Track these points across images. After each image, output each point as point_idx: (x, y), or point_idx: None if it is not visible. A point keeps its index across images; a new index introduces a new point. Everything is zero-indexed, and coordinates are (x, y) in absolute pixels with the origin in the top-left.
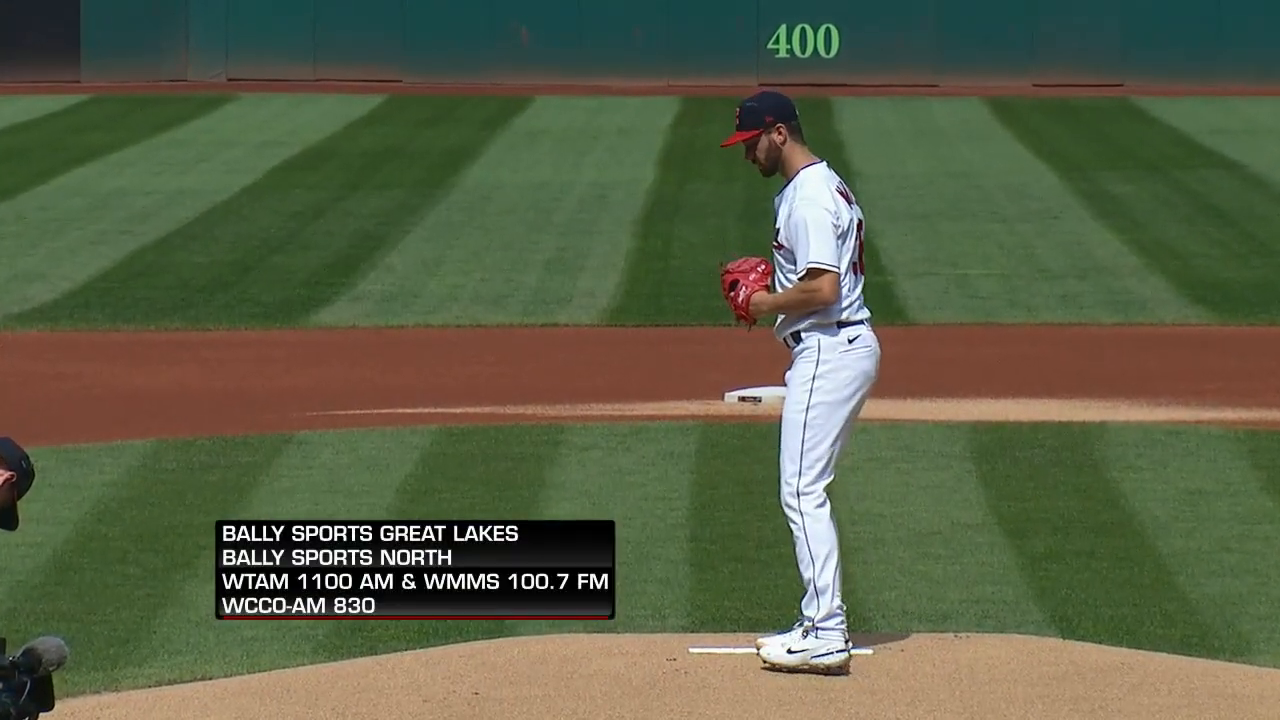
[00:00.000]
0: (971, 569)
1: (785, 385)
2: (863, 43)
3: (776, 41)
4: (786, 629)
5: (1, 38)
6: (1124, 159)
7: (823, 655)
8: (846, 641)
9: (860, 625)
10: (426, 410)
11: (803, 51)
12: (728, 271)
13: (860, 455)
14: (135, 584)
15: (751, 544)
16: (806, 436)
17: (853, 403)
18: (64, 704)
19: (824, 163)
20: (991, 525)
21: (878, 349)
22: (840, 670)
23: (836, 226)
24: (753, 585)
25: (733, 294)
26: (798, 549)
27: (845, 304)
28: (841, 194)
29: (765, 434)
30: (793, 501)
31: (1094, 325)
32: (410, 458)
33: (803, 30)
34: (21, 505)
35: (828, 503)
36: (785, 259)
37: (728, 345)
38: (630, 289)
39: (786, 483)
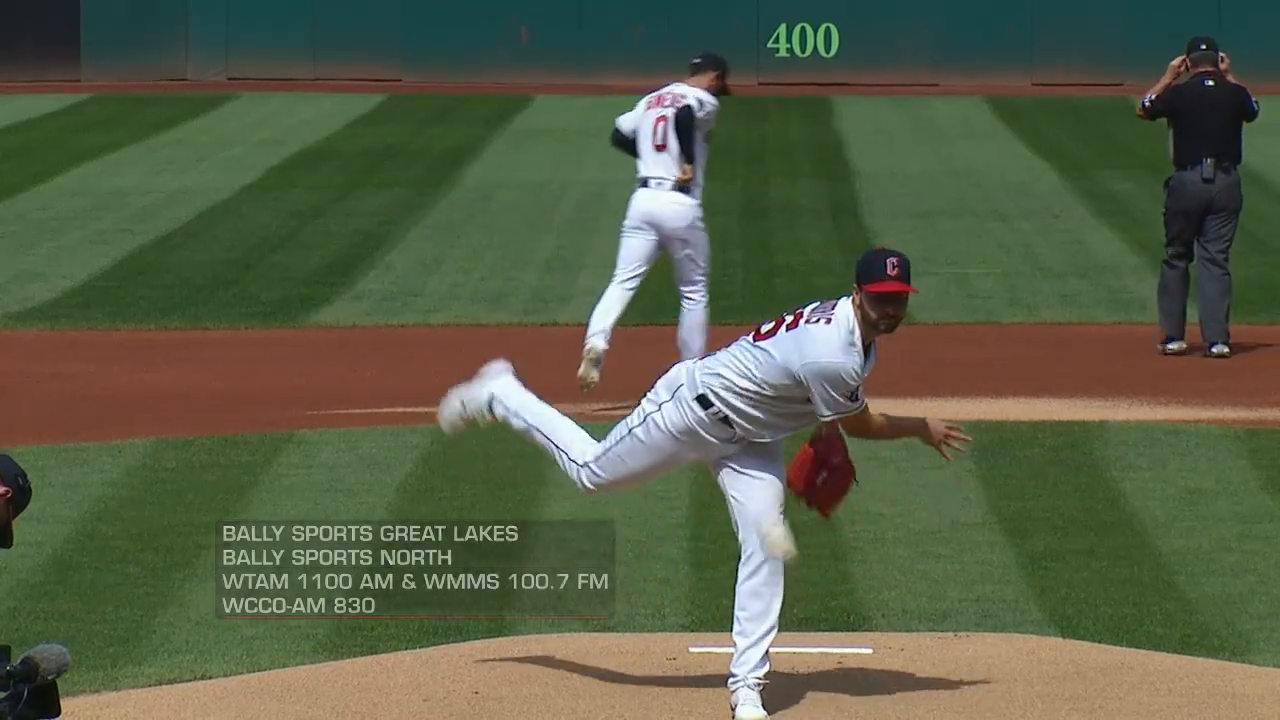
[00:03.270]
0: (971, 568)
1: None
2: (863, 42)
3: (776, 41)
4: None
5: (1, 38)
6: (1124, 157)
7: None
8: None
9: (860, 624)
10: (427, 409)
11: (803, 51)
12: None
13: (860, 454)
14: (135, 583)
15: None
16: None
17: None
18: (64, 703)
19: None
20: (991, 524)
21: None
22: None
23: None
24: None
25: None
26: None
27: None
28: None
29: None
30: None
31: (1094, 324)
32: (410, 457)
33: (803, 29)
34: None
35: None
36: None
37: (727, 345)
38: None
39: None
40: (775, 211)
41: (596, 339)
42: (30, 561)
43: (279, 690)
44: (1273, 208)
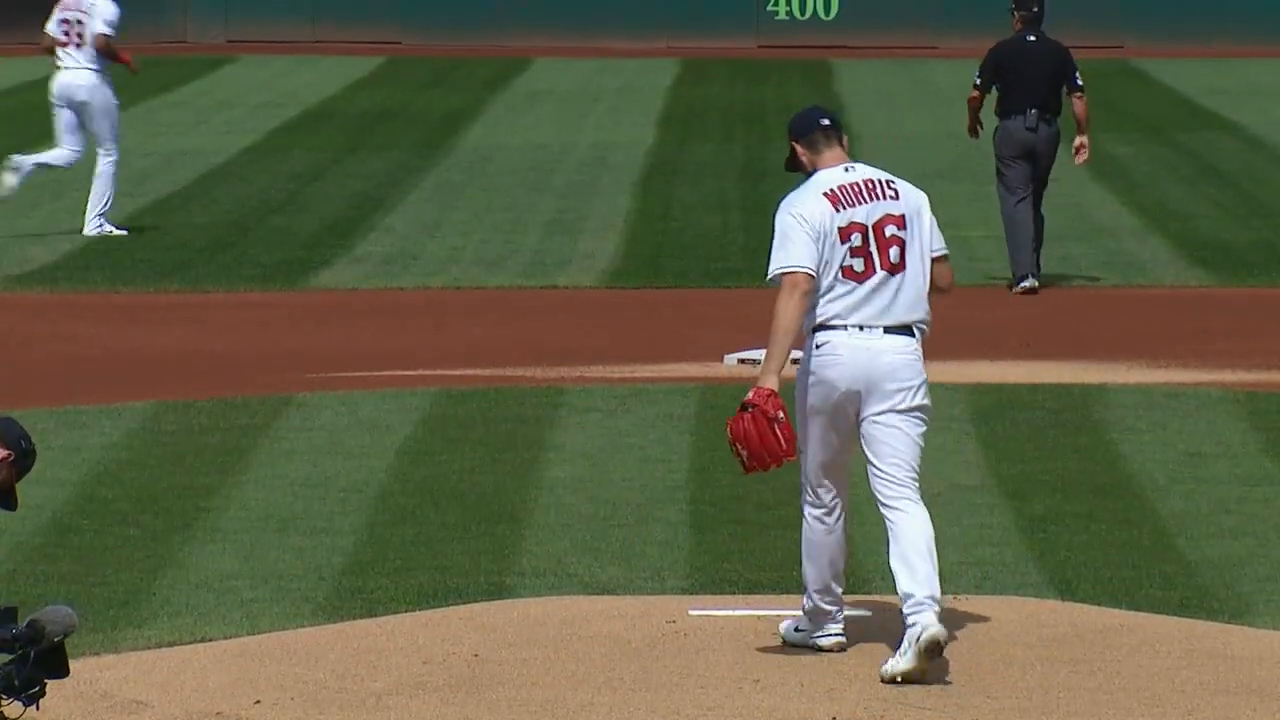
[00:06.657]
0: (971, 531)
1: None
2: (862, 4)
3: (776, 3)
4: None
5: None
6: (1124, 120)
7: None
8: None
9: (860, 587)
10: (426, 372)
11: (802, 13)
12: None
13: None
14: (135, 546)
15: (751, 506)
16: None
17: (821, 416)
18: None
19: (840, 166)
20: (991, 487)
21: (852, 359)
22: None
23: (808, 229)
24: (752, 547)
25: (775, 428)
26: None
27: (820, 309)
28: (832, 196)
29: None
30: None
31: (1093, 287)
32: (410, 419)
33: None
34: None
35: (829, 517)
36: None
37: (727, 307)
38: (629, 250)
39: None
40: (775, 174)
41: None
42: (30, 524)
43: (279, 653)
44: (1273, 170)
